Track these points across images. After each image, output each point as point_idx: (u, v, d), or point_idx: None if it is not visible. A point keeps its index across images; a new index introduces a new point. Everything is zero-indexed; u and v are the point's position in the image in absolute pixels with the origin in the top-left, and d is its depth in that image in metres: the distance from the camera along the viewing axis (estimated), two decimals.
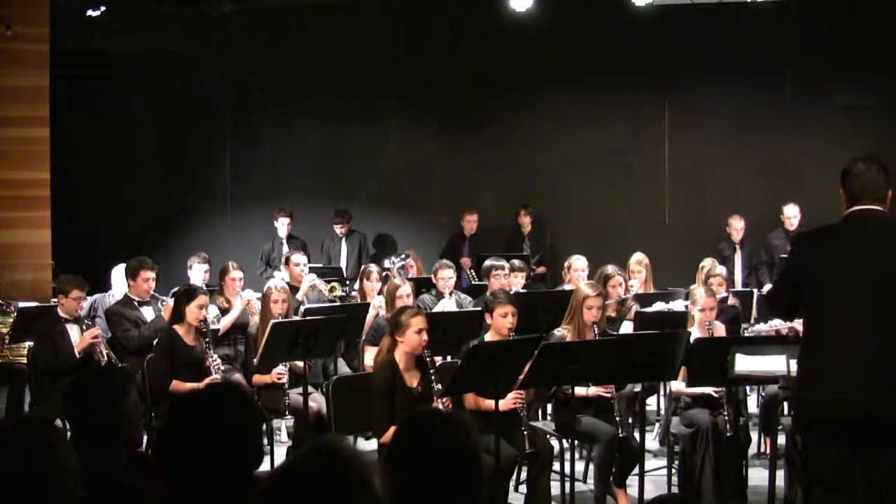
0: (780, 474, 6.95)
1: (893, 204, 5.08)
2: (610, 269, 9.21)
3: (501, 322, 7.03)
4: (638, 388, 7.44)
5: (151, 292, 8.84)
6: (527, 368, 6.37)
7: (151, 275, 8.78)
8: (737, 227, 12.74)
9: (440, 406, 6.44)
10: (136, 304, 8.69)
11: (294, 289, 9.60)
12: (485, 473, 2.97)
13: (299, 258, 10.13)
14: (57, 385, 7.79)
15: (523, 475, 7.33)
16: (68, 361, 8.12)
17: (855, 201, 4.99)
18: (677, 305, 8.45)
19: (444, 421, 2.98)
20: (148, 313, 8.70)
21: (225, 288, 9.16)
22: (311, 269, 10.45)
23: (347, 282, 11.90)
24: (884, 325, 4.78)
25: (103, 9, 12.65)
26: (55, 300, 8.65)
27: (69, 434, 3.91)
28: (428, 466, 2.83)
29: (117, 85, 14.80)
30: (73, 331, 8.32)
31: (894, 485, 4.76)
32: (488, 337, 7.13)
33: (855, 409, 4.70)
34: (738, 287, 11.96)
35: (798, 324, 7.67)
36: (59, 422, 7.50)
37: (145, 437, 7.52)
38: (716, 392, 7.01)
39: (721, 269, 9.52)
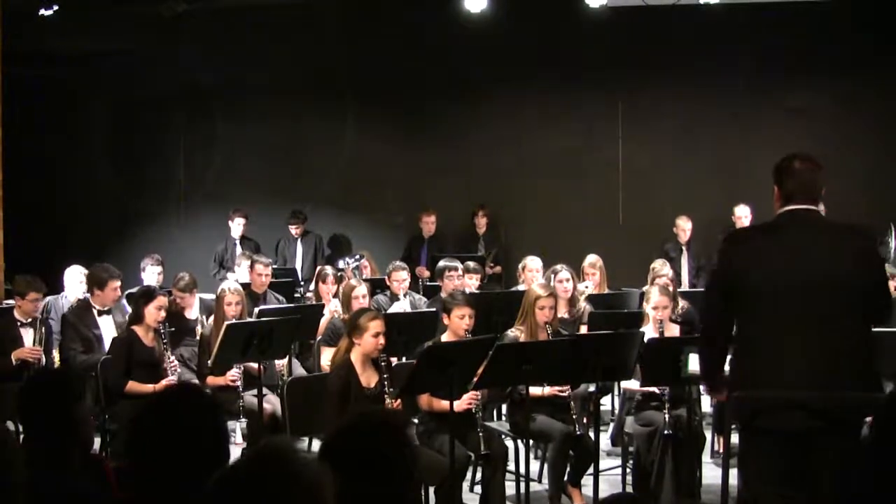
0: (734, 473, 7.00)
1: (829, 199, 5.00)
2: (558, 266, 9.27)
3: (458, 323, 7.04)
4: (592, 387, 7.47)
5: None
6: (481, 369, 6.40)
7: (118, 283, 8.74)
8: (684, 227, 12.77)
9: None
10: (95, 312, 8.61)
11: (252, 293, 9.56)
12: (431, 473, 3.05)
13: (262, 269, 9.86)
14: (3, 387, 7.73)
15: (478, 476, 7.36)
16: (5, 367, 8.05)
17: (788, 200, 4.88)
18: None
19: (366, 424, 3.06)
20: (106, 322, 8.62)
21: None
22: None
23: (302, 283, 11.88)
24: (818, 325, 4.71)
25: (56, 8, 12.55)
26: (9, 301, 8.55)
27: (22, 436, 3.89)
28: (355, 468, 2.92)
29: (70, 85, 14.67)
30: (28, 334, 8.26)
31: (834, 482, 4.75)
32: (445, 338, 7.13)
33: (791, 408, 4.65)
34: (686, 288, 11.94)
35: None
36: (10, 424, 7.48)
37: (98, 439, 7.50)
38: (659, 390, 7.08)
39: (668, 270, 9.57)
